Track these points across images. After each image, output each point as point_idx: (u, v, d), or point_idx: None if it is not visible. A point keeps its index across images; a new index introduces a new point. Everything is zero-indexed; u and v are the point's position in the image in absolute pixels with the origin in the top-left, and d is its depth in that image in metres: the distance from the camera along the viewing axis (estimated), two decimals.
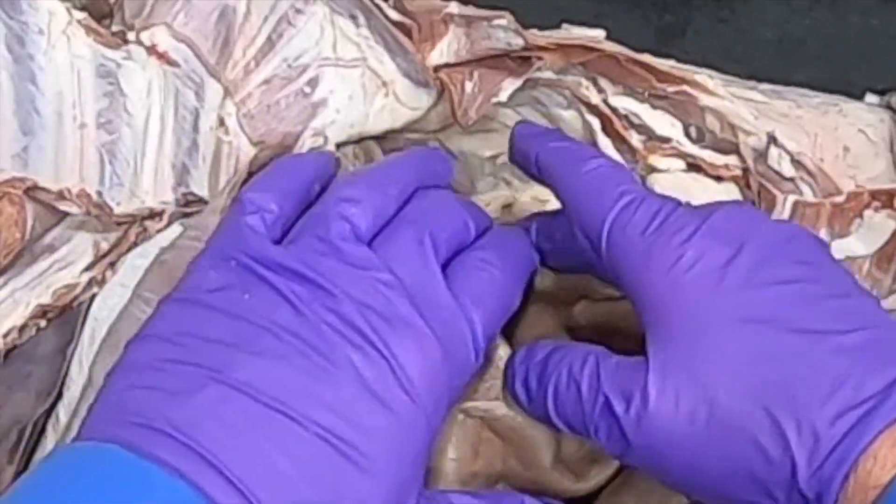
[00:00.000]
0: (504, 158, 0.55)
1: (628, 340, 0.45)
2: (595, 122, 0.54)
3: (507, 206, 0.55)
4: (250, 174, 0.51)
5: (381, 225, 0.44)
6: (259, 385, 0.38)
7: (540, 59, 0.53)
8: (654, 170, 0.54)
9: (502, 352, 0.47)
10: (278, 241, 0.43)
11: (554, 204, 0.54)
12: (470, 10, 0.53)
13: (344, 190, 0.44)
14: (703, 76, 0.53)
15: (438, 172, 0.48)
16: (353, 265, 0.41)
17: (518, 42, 0.52)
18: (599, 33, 0.53)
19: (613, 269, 0.44)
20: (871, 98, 0.58)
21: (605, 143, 0.54)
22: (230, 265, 0.41)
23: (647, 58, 0.53)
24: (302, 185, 0.45)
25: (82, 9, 0.52)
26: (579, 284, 0.51)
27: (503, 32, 0.52)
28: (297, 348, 0.39)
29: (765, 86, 0.56)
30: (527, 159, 0.48)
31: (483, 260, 0.45)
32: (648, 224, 0.43)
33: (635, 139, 0.54)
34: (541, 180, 0.48)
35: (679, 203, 0.44)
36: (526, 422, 0.47)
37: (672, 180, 0.54)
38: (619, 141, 0.54)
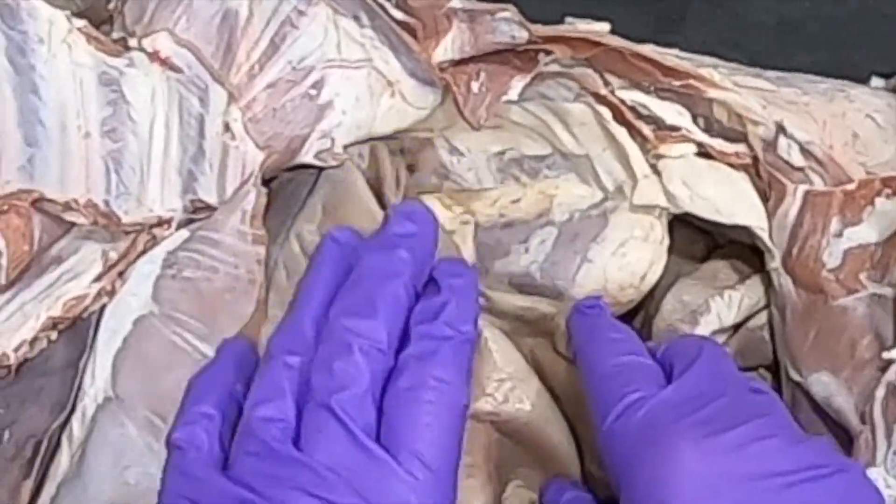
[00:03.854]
0: (511, 154, 0.55)
1: None
2: (605, 112, 0.53)
3: (516, 201, 0.54)
4: (264, 180, 0.51)
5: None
6: None
7: (548, 52, 0.53)
8: (666, 158, 0.54)
9: (492, 344, 0.48)
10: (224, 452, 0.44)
11: (559, 198, 0.54)
12: (473, 5, 0.52)
13: (255, 393, 0.44)
14: (709, 69, 0.53)
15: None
16: (280, 476, 0.42)
17: (523, 35, 0.52)
18: (604, 27, 0.53)
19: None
20: (876, 82, 0.57)
21: (619, 132, 0.53)
22: None
23: (651, 52, 0.52)
24: (223, 395, 0.46)
25: (81, 15, 0.51)
26: None
27: (507, 26, 0.52)
28: None
29: (770, 73, 0.56)
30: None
31: (409, 392, 0.44)
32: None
33: (645, 129, 0.53)
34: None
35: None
36: (538, 418, 0.47)
37: (687, 167, 0.53)
38: (631, 130, 0.53)
